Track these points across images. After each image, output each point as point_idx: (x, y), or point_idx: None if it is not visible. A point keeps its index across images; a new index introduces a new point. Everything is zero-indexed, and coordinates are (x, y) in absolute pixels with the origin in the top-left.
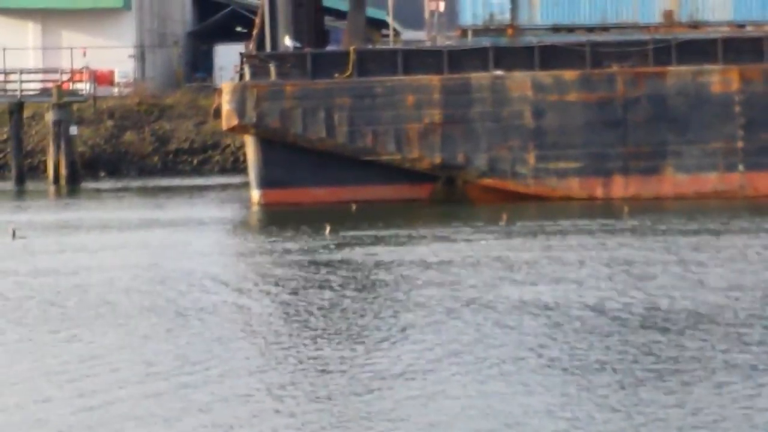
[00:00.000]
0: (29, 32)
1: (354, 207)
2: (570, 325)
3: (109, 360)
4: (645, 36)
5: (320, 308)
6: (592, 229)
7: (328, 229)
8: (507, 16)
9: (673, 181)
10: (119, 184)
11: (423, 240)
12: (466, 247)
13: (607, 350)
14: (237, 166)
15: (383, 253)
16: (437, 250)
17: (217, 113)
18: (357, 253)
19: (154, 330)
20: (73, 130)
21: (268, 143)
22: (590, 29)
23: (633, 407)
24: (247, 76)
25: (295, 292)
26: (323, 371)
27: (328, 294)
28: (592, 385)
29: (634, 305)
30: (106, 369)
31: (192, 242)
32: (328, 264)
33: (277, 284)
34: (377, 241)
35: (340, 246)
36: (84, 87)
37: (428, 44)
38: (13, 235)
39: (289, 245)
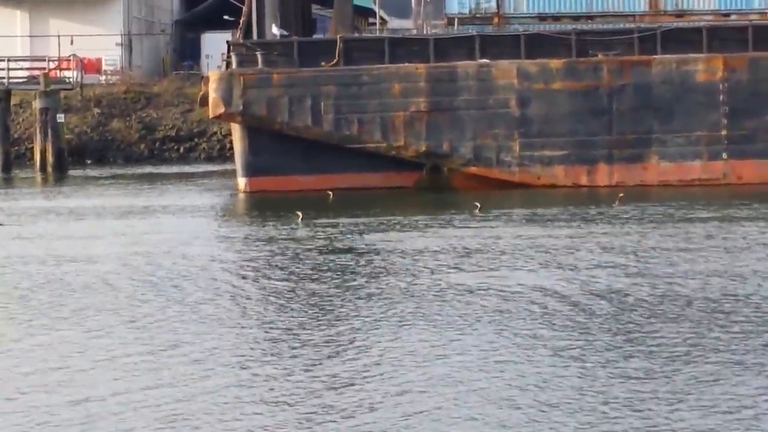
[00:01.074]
0: (17, 20)
1: (330, 195)
2: (571, 311)
3: (104, 345)
4: (630, 25)
5: (307, 295)
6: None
7: (299, 217)
8: (493, 5)
9: (657, 170)
10: (106, 172)
11: (397, 227)
12: (444, 234)
13: (613, 336)
14: (223, 153)
15: (356, 240)
16: (409, 238)
17: (204, 101)
18: (330, 241)
19: (141, 320)
20: (60, 117)
21: (254, 131)
22: (576, 18)
23: (642, 401)
24: (234, 65)
25: (278, 278)
26: (309, 359)
27: (314, 280)
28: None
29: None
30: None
31: (178, 229)
32: (312, 251)
33: (260, 270)
34: (350, 228)
35: (314, 233)
36: (71, 75)
37: (415, 33)
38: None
39: (271, 232)
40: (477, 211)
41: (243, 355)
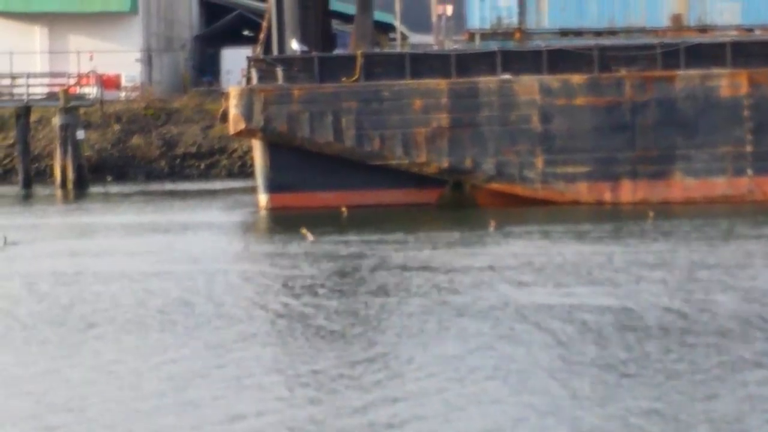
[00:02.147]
0: (36, 36)
1: (345, 211)
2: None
3: (130, 366)
4: (653, 40)
5: (330, 312)
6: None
7: (309, 237)
8: (515, 20)
9: (681, 186)
10: (126, 189)
11: (420, 244)
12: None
13: (643, 353)
14: (244, 170)
15: (380, 257)
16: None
17: (224, 117)
18: (355, 258)
19: (167, 337)
20: (80, 134)
21: (275, 147)
22: (598, 33)
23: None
24: (254, 80)
25: (306, 294)
26: (331, 374)
27: (343, 297)
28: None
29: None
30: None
31: (199, 246)
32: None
33: (287, 285)
34: (372, 245)
35: (337, 249)
36: (91, 91)
37: (436, 48)
38: (4, 242)
39: (292, 249)
40: (491, 229)
41: (280, 373)
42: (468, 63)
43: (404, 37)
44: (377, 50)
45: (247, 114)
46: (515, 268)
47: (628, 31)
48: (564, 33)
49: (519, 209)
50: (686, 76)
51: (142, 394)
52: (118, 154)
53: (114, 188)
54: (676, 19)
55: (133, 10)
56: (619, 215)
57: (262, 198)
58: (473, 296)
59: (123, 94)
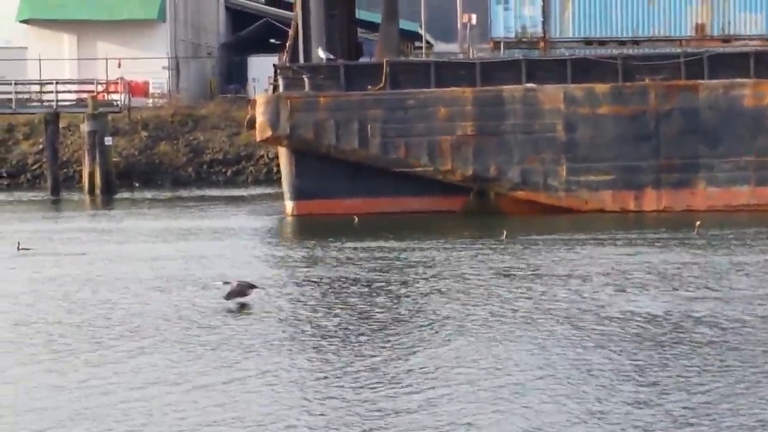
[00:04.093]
0: (65, 43)
1: (356, 219)
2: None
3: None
4: (677, 49)
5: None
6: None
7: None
8: (539, 29)
9: (705, 195)
10: (153, 195)
11: (440, 251)
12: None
13: (672, 357)
14: (270, 177)
15: (407, 263)
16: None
17: (251, 124)
18: (385, 263)
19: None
20: (108, 140)
21: (301, 154)
22: (622, 42)
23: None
24: (281, 88)
25: (337, 300)
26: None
27: (379, 304)
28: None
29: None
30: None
31: (231, 252)
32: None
33: (317, 290)
34: (400, 251)
35: (369, 256)
36: (119, 98)
37: (461, 57)
38: (18, 246)
39: (320, 254)
40: (504, 237)
41: (320, 376)
42: (493, 72)
43: (429, 46)
44: (403, 58)
45: (274, 121)
46: (609, 275)
47: (652, 41)
48: (588, 42)
49: (548, 217)
50: (710, 86)
51: (204, 398)
52: (145, 161)
53: (141, 194)
54: (700, 28)
55: (161, 18)
56: (660, 223)
57: (288, 205)
58: (593, 304)
59: (150, 101)
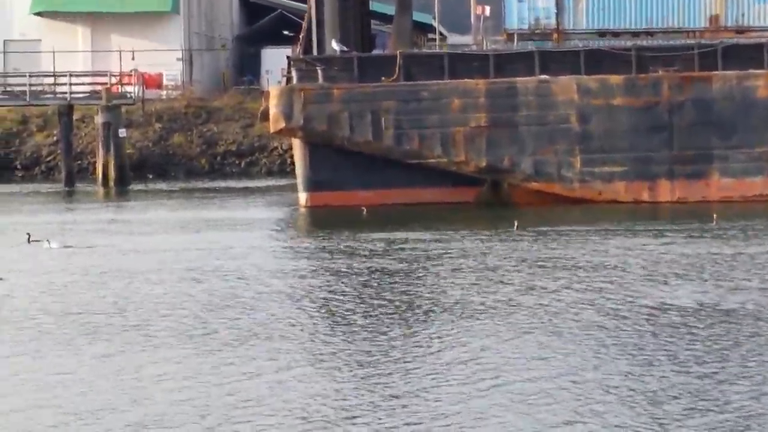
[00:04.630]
0: (79, 35)
1: (365, 211)
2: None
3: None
4: (691, 41)
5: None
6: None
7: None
8: (553, 21)
9: (718, 185)
10: (167, 186)
11: (461, 241)
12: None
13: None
14: (284, 168)
15: (424, 254)
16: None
17: (265, 116)
18: (400, 254)
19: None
20: (122, 132)
21: (315, 146)
22: (636, 34)
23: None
24: (295, 80)
25: (353, 291)
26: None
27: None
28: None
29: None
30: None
31: (246, 243)
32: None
33: (333, 281)
34: (416, 242)
35: (389, 247)
36: (132, 90)
37: (474, 48)
38: (29, 239)
39: (334, 245)
40: (515, 229)
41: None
42: (506, 63)
43: (443, 38)
44: (416, 50)
45: (287, 113)
46: (644, 266)
47: (666, 32)
48: (602, 34)
49: (561, 208)
50: (723, 77)
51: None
52: (159, 152)
53: (155, 186)
54: (714, 19)
55: (175, 10)
56: (676, 214)
57: (302, 196)
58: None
59: (164, 93)
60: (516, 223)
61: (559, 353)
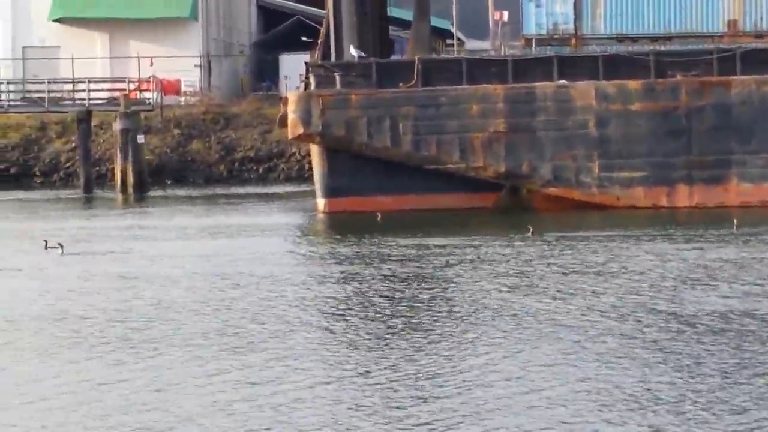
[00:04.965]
0: (97, 42)
1: (379, 216)
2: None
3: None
4: (709, 45)
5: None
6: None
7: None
8: (571, 26)
9: (737, 191)
10: (186, 192)
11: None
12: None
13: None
14: (302, 174)
15: (443, 260)
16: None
17: (283, 122)
18: (421, 259)
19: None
20: (141, 138)
21: (333, 152)
22: (654, 39)
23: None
24: (313, 86)
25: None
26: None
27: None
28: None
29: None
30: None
31: (266, 249)
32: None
33: (352, 287)
34: (436, 248)
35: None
36: (151, 96)
37: (492, 54)
38: (46, 246)
39: (353, 251)
40: (530, 234)
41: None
42: (524, 68)
43: (461, 43)
44: (434, 56)
45: (306, 119)
46: (651, 271)
47: (684, 37)
48: (620, 39)
49: (579, 214)
50: (742, 82)
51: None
52: (177, 159)
53: (173, 192)
54: (732, 24)
55: (193, 17)
56: (695, 220)
57: (320, 202)
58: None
59: (182, 99)
60: (531, 229)
61: (599, 359)
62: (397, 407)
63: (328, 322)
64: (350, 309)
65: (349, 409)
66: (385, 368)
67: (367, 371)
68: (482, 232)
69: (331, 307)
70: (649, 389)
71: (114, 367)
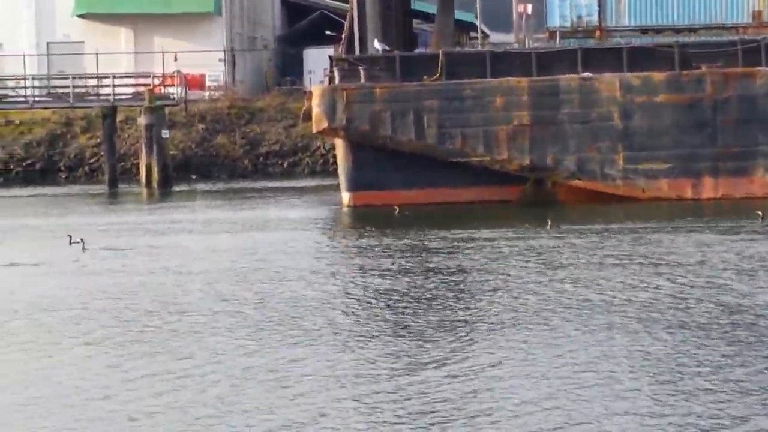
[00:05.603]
0: (122, 37)
1: (397, 210)
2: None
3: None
4: (734, 37)
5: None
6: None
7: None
8: (595, 18)
9: (762, 182)
10: (210, 187)
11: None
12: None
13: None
14: (326, 168)
15: (469, 253)
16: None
17: (307, 116)
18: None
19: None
20: (165, 133)
21: (357, 146)
22: (678, 30)
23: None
24: (337, 79)
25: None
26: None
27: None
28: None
29: None
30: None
31: (293, 243)
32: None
33: (371, 275)
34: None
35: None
36: (175, 91)
37: (516, 46)
38: (70, 241)
39: (378, 244)
40: (548, 227)
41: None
42: (548, 61)
43: (485, 36)
44: (458, 49)
45: (330, 113)
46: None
47: (709, 28)
48: (644, 30)
49: (602, 206)
50: (767, 73)
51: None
52: (202, 153)
53: (198, 187)
54: (757, 15)
55: (217, 11)
56: (720, 212)
57: (345, 196)
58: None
59: (207, 94)
60: (549, 222)
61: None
62: (480, 394)
63: (386, 313)
64: (406, 302)
65: (433, 399)
66: (447, 357)
67: (439, 363)
68: (505, 225)
69: (384, 300)
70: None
71: (184, 360)
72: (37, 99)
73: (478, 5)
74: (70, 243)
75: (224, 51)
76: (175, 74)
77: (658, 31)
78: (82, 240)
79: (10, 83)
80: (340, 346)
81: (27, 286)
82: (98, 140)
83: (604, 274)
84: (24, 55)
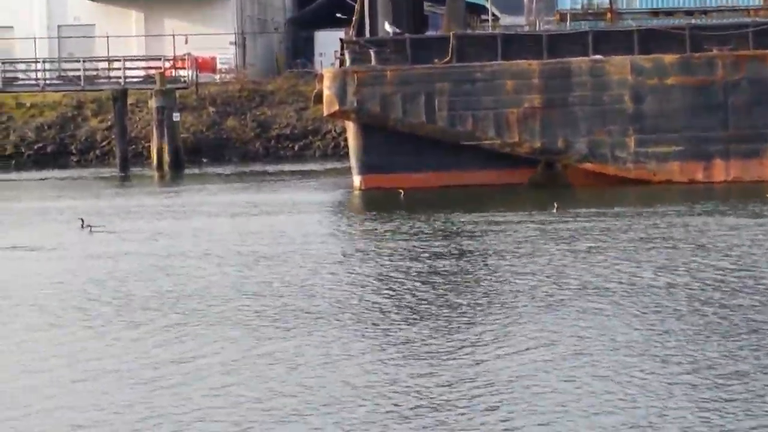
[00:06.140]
0: (132, 20)
1: (402, 193)
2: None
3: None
4: (745, 19)
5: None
6: None
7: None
8: (606, 0)
9: None
10: (221, 170)
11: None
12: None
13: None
14: (337, 151)
15: (480, 236)
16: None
17: (318, 99)
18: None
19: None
20: (176, 116)
21: (368, 129)
22: (689, 13)
23: None
24: (348, 62)
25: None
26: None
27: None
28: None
29: None
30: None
31: (306, 226)
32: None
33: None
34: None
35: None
36: (186, 74)
37: (527, 29)
38: (82, 224)
39: (390, 227)
40: (555, 210)
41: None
42: (559, 44)
43: (495, 19)
44: (469, 32)
45: (341, 95)
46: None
47: (720, 11)
48: (655, 13)
49: (611, 190)
50: None
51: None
52: (213, 136)
53: (209, 170)
54: None
55: None
56: (731, 195)
57: (356, 179)
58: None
59: (218, 77)
60: (556, 205)
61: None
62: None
63: (419, 295)
64: (429, 283)
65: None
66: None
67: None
68: (513, 208)
69: (412, 281)
70: None
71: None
72: (48, 82)
73: None
74: (83, 226)
75: (235, 34)
76: (186, 57)
77: (669, 13)
78: (89, 224)
79: (21, 66)
80: (384, 328)
81: (36, 267)
82: (109, 123)
83: (640, 257)
84: (35, 38)
